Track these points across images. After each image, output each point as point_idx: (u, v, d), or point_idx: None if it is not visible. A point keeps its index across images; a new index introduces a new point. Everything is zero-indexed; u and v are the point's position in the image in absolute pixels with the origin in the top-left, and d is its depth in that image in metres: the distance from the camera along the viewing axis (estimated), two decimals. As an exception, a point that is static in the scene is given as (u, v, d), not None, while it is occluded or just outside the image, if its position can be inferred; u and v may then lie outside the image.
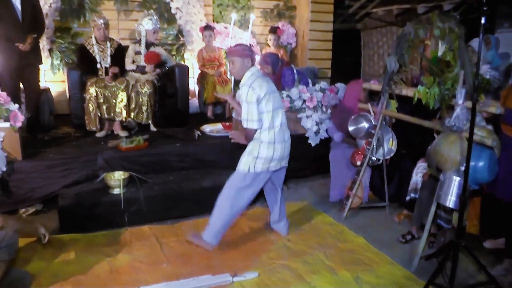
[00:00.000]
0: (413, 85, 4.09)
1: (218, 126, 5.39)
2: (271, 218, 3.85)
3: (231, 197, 3.39)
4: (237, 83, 3.58)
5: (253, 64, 3.43)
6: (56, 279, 3.08)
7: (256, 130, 3.36)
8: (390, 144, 4.24)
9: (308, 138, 5.03)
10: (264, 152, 3.34)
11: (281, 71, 5.37)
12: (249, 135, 3.39)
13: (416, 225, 3.74)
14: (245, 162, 3.39)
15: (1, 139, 3.89)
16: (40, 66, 5.07)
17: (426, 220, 3.33)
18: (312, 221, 4.09)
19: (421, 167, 3.92)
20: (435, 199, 3.20)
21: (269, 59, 5.34)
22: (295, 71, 5.42)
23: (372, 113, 4.29)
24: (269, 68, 5.35)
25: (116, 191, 4.00)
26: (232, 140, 3.56)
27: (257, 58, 5.52)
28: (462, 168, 2.91)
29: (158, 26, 5.53)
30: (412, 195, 3.92)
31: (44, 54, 5.57)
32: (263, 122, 3.34)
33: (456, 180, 3.02)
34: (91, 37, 5.18)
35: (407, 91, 3.89)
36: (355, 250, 3.56)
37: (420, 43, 3.88)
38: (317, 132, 5.03)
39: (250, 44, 3.49)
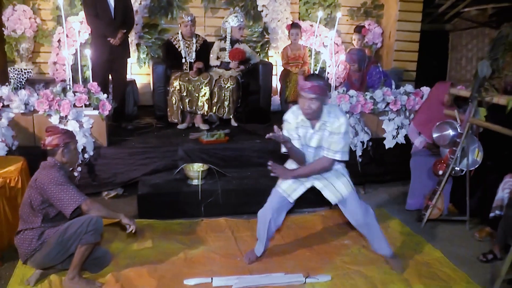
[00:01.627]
0: (506, 92, 3.83)
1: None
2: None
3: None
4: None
5: None
6: (132, 261, 3.23)
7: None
8: (475, 155, 4.00)
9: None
10: None
11: (368, 69, 5.22)
12: (326, 167, 3.11)
13: (500, 245, 3.48)
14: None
15: (90, 126, 4.15)
16: (128, 59, 5.33)
17: (512, 240, 3.12)
18: (388, 230, 3.93)
19: (509, 182, 3.65)
20: (524, 219, 2.99)
21: (355, 56, 5.19)
22: (381, 70, 5.25)
23: (458, 121, 4.07)
24: (355, 66, 5.22)
25: (195, 182, 4.11)
26: (272, 170, 3.17)
27: (342, 57, 5.42)
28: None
29: (244, 23, 5.60)
30: (497, 212, 3.65)
31: (132, 48, 5.85)
32: None
33: (549, 200, 2.80)
34: (178, 33, 5.35)
35: (499, 99, 3.64)
36: (432, 264, 3.40)
37: (519, 47, 3.63)
38: (395, 136, 4.87)
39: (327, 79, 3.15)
